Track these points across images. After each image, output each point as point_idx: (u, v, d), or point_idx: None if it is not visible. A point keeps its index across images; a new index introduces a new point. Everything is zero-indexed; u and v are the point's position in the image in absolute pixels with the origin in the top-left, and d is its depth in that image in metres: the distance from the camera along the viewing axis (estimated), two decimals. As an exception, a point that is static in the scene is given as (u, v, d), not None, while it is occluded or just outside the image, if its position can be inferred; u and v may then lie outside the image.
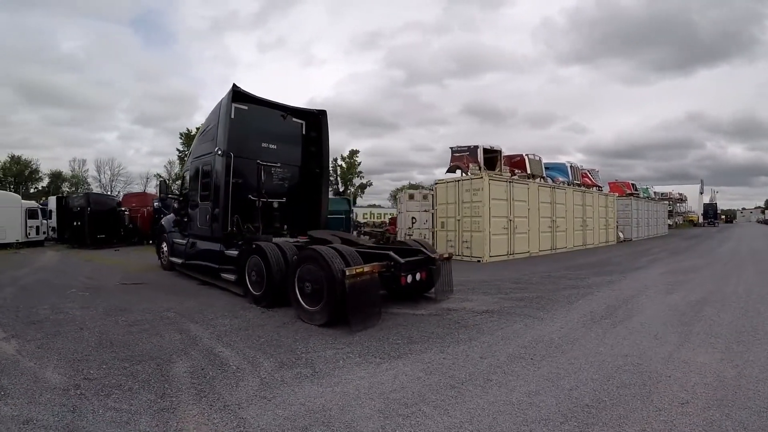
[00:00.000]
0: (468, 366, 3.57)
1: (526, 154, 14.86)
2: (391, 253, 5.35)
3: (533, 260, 12.99)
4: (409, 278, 5.41)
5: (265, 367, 3.65)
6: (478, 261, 12.68)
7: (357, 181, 56.82)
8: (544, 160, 16.79)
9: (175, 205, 9.61)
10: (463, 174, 14.38)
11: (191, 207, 8.53)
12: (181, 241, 8.96)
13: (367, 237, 22.28)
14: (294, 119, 8.79)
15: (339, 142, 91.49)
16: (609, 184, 25.16)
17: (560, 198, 15.81)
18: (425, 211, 16.12)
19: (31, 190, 46.35)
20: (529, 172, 14.64)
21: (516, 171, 14.49)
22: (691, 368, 3.49)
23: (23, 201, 17.12)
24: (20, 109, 65.97)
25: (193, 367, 3.66)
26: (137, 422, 2.65)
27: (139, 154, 77.21)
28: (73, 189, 45.44)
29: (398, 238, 15.01)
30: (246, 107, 7.85)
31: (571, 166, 17.51)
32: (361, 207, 41.96)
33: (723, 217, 61.99)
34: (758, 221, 67.45)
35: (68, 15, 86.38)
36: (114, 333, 4.77)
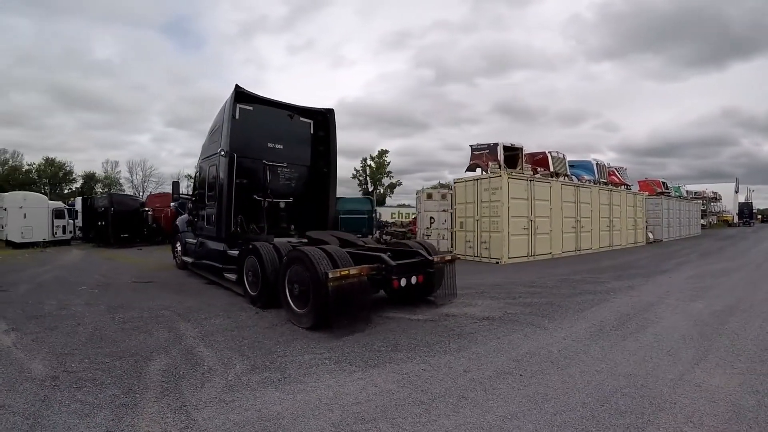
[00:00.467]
0: (447, 380, 3.29)
1: (549, 152, 14.13)
2: (383, 255, 5.12)
3: (555, 262, 12.33)
4: (403, 282, 5.15)
5: (237, 369, 3.59)
6: (497, 262, 12.19)
7: (386, 181, 56.71)
8: (574, 158, 15.99)
9: (189, 206, 9.82)
10: (483, 172, 13.89)
11: (200, 207, 8.67)
12: (192, 240, 9.15)
13: (389, 237, 22.16)
14: (302, 119, 8.73)
15: (369, 142, 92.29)
16: (638, 182, 23.84)
17: (585, 197, 14.96)
18: (444, 210, 15.70)
19: (65, 191, 48.75)
20: (552, 170, 13.91)
21: (538, 169, 13.82)
22: (703, 394, 3.02)
23: (50, 202, 18.05)
24: (57, 113, 70.63)
25: (168, 365, 3.68)
26: (95, 415, 2.72)
27: (171, 155, 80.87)
28: (106, 190, 47.84)
29: (416, 239, 14.75)
30: (251, 108, 7.86)
31: (597, 164, 16.51)
32: (391, 207, 41.99)
33: (759, 216, 57.22)
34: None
35: (103, 22, 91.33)
36: (107, 329, 4.86)
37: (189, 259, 9.18)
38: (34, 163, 50.60)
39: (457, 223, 14.43)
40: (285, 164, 8.41)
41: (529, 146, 14.80)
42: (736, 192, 50.52)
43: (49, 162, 50.55)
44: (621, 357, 3.81)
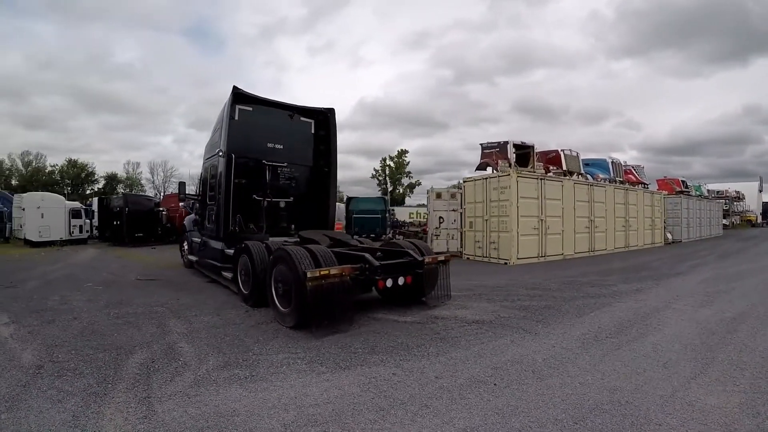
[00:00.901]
0: (414, 386, 3.17)
1: (562, 150, 13.66)
2: (366, 255, 5.02)
3: (566, 263, 11.91)
4: (389, 282, 5.04)
5: (210, 365, 3.64)
6: (505, 263, 11.89)
7: (406, 181, 56.56)
8: (594, 157, 15.41)
9: (196, 205, 10.00)
10: (493, 171, 13.57)
11: (203, 207, 8.81)
12: (197, 239, 9.30)
13: (402, 237, 22.04)
14: (302, 119, 8.72)
15: (389, 143, 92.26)
16: (657, 181, 22.98)
17: (599, 196, 14.40)
18: (453, 210, 15.43)
19: (87, 192, 49.84)
20: (565, 168, 13.45)
21: (551, 168, 13.36)
22: (695, 414, 2.73)
23: (67, 202, 18.72)
24: (81, 116, 72.25)
25: (147, 359, 3.78)
26: (67, 402, 2.89)
27: (192, 156, 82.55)
28: (127, 190, 49.13)
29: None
30: (250, 108, 7.90)
31: (612, 162, 15.85)
32: (410, 206, 41.89)
33: (785, 216, 53.71)
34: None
35: (124, 27, 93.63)
36: (100, 323, 5.00)
37: (194, 258, 9.35)
38: (57, 165, 52.35)
39: (467, 223, 14.17)
40: (285, 164, 8.42)
41: (551, 146, 14.43)
42: (760, 191, 47.99)
43: (72, 163, 52.14)
44: (611, 368, 3.56)
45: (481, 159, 14.55)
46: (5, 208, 18.13)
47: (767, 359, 3.74)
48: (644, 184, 18.83)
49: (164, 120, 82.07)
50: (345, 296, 4.60)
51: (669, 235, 19.76)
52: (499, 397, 2.98)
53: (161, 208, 18.85)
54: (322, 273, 4.39)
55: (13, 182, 47.05)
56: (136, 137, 77.04)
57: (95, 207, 20.46)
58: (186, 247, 10.29)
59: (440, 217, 15.77)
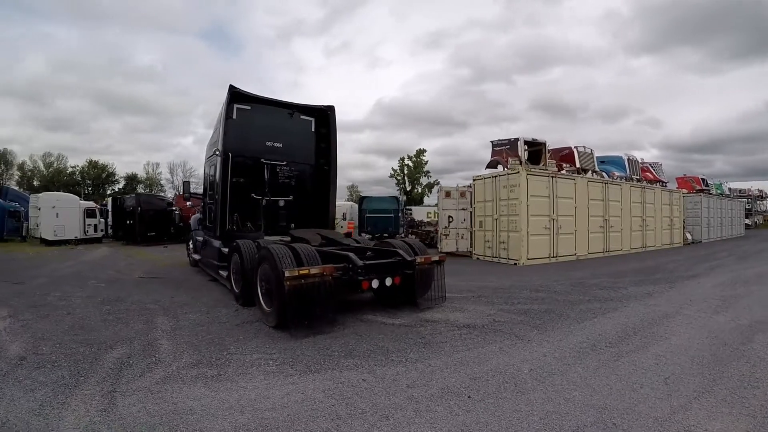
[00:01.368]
0: (381, 395, 2.98)
1: (575, 146, 13.09)
2: (350, 254, 4.84)
3: (578, 264, 11.42)
4: (375, 283, 4.84)
5: (182, 362, 3.62)
6: (515, 264, 11.50)
7: (424, 181, 56.17)
8: (610, 154, 14.74)
9: (201, 205, 10.07)
10: (504, 169, 13.15)
11: (204, 206, 8.84)
12: (200, 238, 9.36)
13: (414, 236, 21.79)
14: (302, 117, 8.62)
15: (408, 143, 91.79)
16: (676, 179, 22.00)
17: (614, 194, 13.77)
18: (463, 209, 15.08)
19: (108, 192, 51.08)
20: (578, 166, 12.88)
21: (564, 165, 12.82)
22: (692, 440, 2.42)
23: (81, 201, 19.10)
24: (103, 118, 74.24)
25: (124, 354, 3.82)
26: (37, 391, 2.98)
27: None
28: (147, 190, 50.20)
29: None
30: (248, 107, 7.85)
31: (628, 159, 15.13)
32: (428, 206, 41.67)
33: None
34: None
35: (144, 31, 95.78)
36: (91, 319, 5.05)
37: (197, 257, 9.42)
38: (78, 166, 54.19)
39: (477, 222, 13.81)
40: (284, 162, 8.34)
41: (570, 144, 13.83)
42: (785, 189, 45.31)
43: (92, 164, 53.94)
44: (604, 383, 3.23)
45: (491, 156, 14.14)
46: (22, 208, 18.74)
47: (783, 375, 3.35)
48: (662, 182, 18.08)
49: (185, 121, 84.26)
50: (327, 297, 4.44)
51: (688, 236, 18.96)
52: (470, 411, 2.75)
53: (174, 208, 19.16)
54: (301, 272, 4.25)
55: (35, 183, 48.74)
56: (157, 138, 79.28)
57: (110, 207, 21.02)
58: (191, 246, 10.39)
59: (449, 216, 15.43)
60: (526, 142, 12.64)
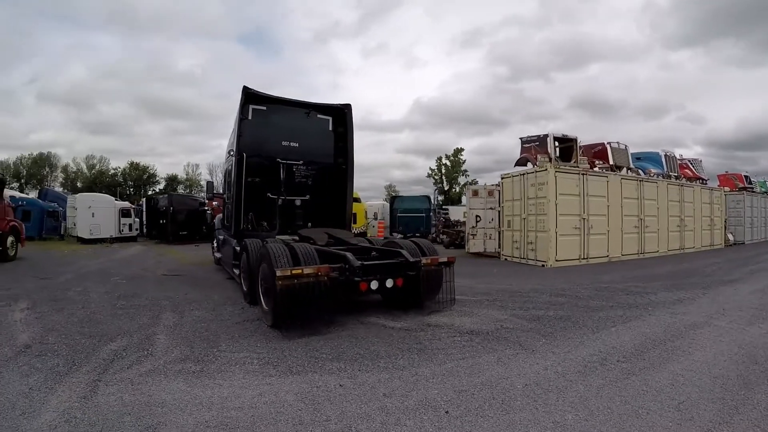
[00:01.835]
0: (354, 403, 2.84)
1: (608, 143, 12.26)
2: (347, 254, 4.72)
3: (609, 266, 10.69)
4: (374, 284, 4.70)
5: (172, 357, 3.71)
6: (543, 265, 10.93)
7: (462, 180, 55.39)
8: (649, 151, 13.67)
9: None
10: (533, 167, 12.53)
11: (224, 205, 9.09)
12: (221, 237, 9.65)
13: (445, 237, 21.40)
14: (319, 116, 8.62)
15: (447, 142, 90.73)
16: (718, 176, 20.36)
17: (650, 193, 12.80)
18: (491, 208, 14.58)
19: (149, 192, 53.60)
20: (611, 162, 12.01)
21: (597, 162, 12.01)
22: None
23: (116, 201, 20.22)
24: (145, 122, 78.82)
25: (121, 347, 3.96)
26: (31, 376, 3.18)
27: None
28: (187, 191, 52.55)
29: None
30: (264, 108, 7.93)
31: (665, 155, 14.00)
32: (464, 206, 40.88)
33: None
34: None
35: (183, 37, 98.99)
36: (101, 313, 5.28)
37: (219, 255, 9.72)
38: (119, 167, 57.71)
39: (505, 222, 13.30)
40: (301, 162, 8.37)
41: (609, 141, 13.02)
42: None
43: (134, 166, 57.27)
44: (605, 405, 2.84)
45: (520, 154, 13.54)
46: (60, 208, 19.99)
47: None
48: (702, 179, 16.74)
49: (225, 124, 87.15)
50: (322, 297, 4.35)
51: (730, 236, 17.55)
52: (441, 429, 2.52)
53: (207, 208, 19.94)
54: (294, 272, 4.19)
55: (78, 184, 52.29)
56: (198, 141, 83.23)
57: (144, 207, 22.21)
58: (215, 245, 10.76)
59: (477, 216, 14.96)
60: (556, 139, 11.98)
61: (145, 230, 21.14)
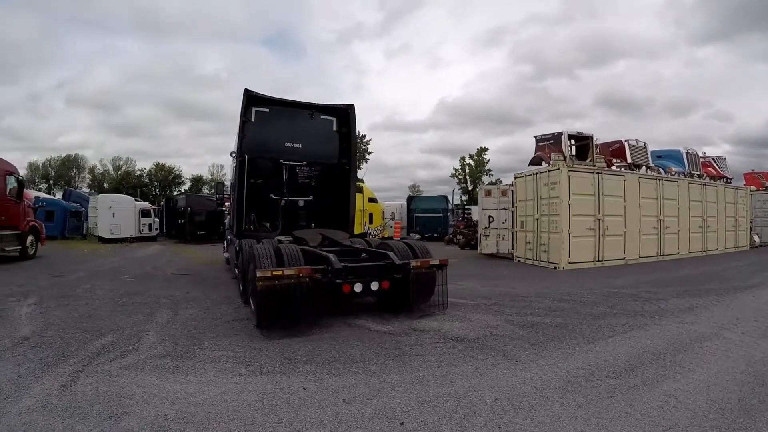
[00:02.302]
0: (311, 407, 2.80)
1: (626, 140, 11.69)
2: (330, 256, 4.67)
3: (625, 269, 10.21)
4: (358, 287, 4.64)
5: (155, 352, 3.84)
6: (555, 267, 10.56)
7: (486, 179, 54.52)
8: (669, 148, 12.94)
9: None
10: (547, 166, 12.11)
11: (231, 206, 9.27)
12: (229, 237, 9.85)
13: (461, 237, 21.07)
14: (322, 117, 8.63)
15: (472, 141, 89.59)
16: (744, 175, 19.23)
17: (670, 192, 12.14)
18: (504, 209, 14.22)
19: (174, 193, 53.86)
20: (630, 161, 11.42)
21: (615, 161, 11.46)
22: None
23: (136, 202, 20.84)
24: (171, 124, 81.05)
25: (112, 342, 4.13)
26: (22, 365, 3.39)
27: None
28: (212, 192, 53.53)
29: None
30: (267, 109, 8.00)
31: (687, 153, 13.20)
32: None
33: None
34: None
35: (207, 41, 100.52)
36: (102, 310, 5.50)
37: (226, 255, 9.93)
38: (145, 168, 59.15)
39: (518, 223, 12.94)
40: (304, 163, 8.40)
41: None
42: None
43: (159, 167, 58.50)
44: (577, 429, 2.53)
45: (534, 152, 13.11)
46: (83, 208, 20.80)
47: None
48: (727, 178, 15.81)
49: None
50: (304, 299, 4.33)
51: (756, 238, 16.60)
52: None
53: (224, 208, 20.39)
54: (274, 273, 4.20)
55: (105, 185, 53.89)
56: (224, 142, 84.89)
57: (164, 207, 22.91)
58: (225, 245, 11.00)
59: (490, 216, 14.63)
60: (570, 136, 11.52)
61: (164, 230, 21.81)
